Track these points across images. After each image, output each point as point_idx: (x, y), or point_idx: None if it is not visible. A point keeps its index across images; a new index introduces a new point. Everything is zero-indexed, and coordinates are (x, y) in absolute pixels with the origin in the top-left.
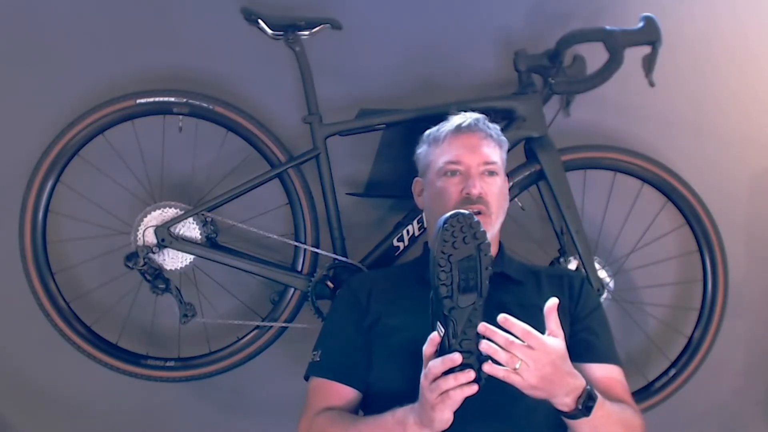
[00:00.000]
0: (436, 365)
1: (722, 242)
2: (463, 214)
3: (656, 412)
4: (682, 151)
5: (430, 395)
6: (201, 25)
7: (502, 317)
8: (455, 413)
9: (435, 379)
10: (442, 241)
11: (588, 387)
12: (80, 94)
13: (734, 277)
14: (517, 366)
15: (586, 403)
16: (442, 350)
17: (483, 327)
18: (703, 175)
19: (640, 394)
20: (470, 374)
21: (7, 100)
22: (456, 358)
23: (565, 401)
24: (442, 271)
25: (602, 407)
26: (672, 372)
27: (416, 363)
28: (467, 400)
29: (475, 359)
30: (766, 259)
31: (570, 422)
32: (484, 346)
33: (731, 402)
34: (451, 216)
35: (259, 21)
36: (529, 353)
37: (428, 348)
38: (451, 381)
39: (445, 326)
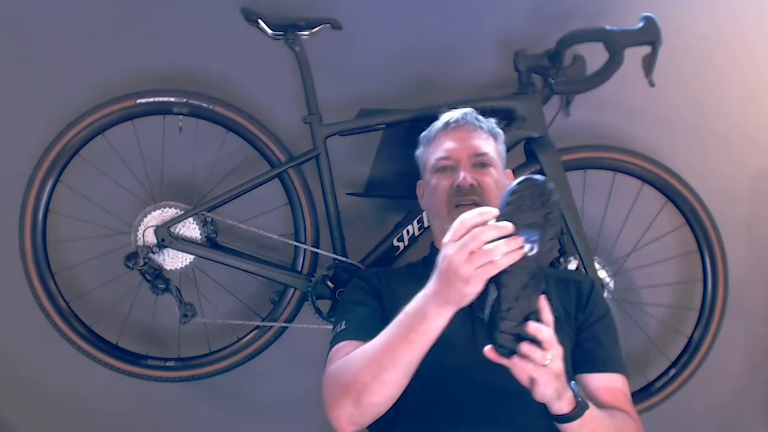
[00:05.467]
0: (483, 231)
1: (722, 242)
2: (535, 179)
3: (656, 412)
4: (682, 151)
5: (467, 268)
6: (201, 25)
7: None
8: (452, 414)
9: (476, 251)
10: (508, 203)
11: (572, 381)
12: (80, 94)
13: (734, 277)
14: (547, 362)
15: (581, 405)
16: (492, 313)
17: (531, 326)
18: (703, 176)
19: (640, 394)
20: (519, 240)
21: (7, 100)
22: (510, 227)
23: (568, 398)
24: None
25: (591, 411)
26: (672, 372)
27: (430, 371)
28: (469, 404)
29: (519, 327)
30: (766, 259)
31: (564, 427)
32: (532, 328)
33: (731, 402)
34: (524, 179)
35: (259, 21)
36: (557, 350)
37: (457, 233)
38: (502, 246)
39: (498, 289)
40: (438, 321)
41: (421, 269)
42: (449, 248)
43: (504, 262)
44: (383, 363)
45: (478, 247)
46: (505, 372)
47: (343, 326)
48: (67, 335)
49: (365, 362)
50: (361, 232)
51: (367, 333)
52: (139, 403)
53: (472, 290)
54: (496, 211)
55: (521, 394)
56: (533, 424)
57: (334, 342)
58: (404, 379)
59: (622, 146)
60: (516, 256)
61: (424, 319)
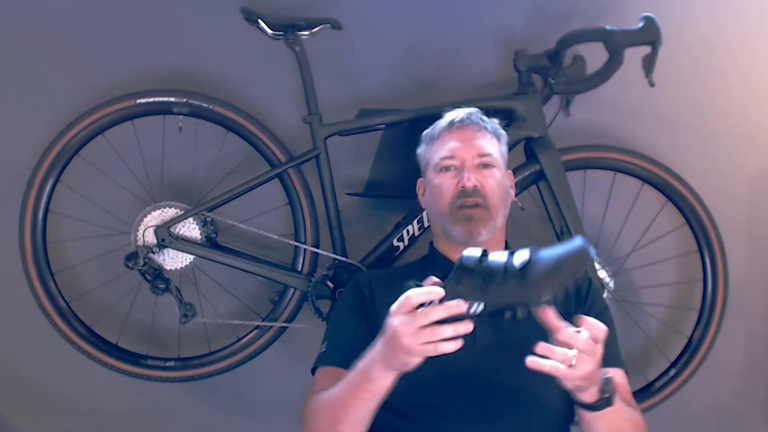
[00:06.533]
0: (437, 311)
1: (722, 242)
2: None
3: (656, 412)
4: (682, 151)
5: (411, 341)
6: (201, 25)
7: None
8: (454, 414)
9: (423, 327)
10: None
11: (607, 377)
12: (80, 94)
13: (734, 277)
14: (573, 362)
15: (612, 393)
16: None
17: (563, 334)
18: (703, 176)
19: (640, 394)
20: (469, 326)
21: (7, 100)
22: (462, 305)
23: (592, 392)
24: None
25: (617, 401)
26: (672, 372)
27: (423, 370)
28: (469, 403)
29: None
30: (766, 259)
31: (590, 415)
32: (541, 348)
33: (731, 402)
34: (579, 248)
35: (259, 21)
36: (590, 348)
37: (415, 298)
38: (449, 330)
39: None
40: (382, 382)
41: (419, 270)
42: (395, 319)
43: (447, 348)
44: (338, 414)
45: (426, 324)
46: (505, 371)
47: (323, 348)
48: (67, 335)
49: (325, 411)
50: (361, 232)
51: (343, 359)
52: (139, 403)
53: (414, 361)
54: (441, 292)
55: (522, 392)
56: (532, 423)
57: (316, 362)
58: (360, 428)
59: (622, 146)
60: (456, 345)
61: (369, 378)
